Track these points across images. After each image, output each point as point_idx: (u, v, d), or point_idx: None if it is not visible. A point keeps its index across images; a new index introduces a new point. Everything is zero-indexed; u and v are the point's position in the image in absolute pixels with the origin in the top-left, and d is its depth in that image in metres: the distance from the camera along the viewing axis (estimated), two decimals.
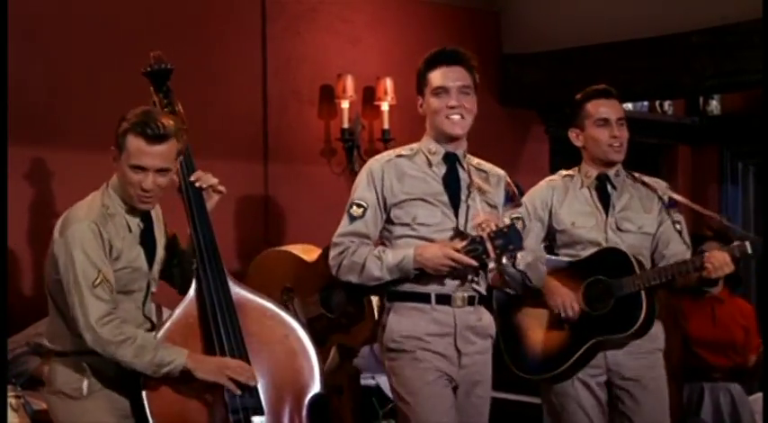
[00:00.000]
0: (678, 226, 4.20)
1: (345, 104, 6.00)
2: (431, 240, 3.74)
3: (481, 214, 3.73)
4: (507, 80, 6.83)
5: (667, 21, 6.09)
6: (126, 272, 3.43)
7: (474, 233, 3.67)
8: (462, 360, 3.77)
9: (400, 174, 3.81)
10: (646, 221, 4.19)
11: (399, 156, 3.86)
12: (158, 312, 3.59)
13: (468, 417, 3.81)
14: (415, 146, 3.89)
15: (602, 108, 4.22)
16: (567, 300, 4.10)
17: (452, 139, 3.82)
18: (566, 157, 4.38)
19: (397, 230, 3.80)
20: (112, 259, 3.38)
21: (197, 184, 3.55)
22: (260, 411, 3.44)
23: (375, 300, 4.02)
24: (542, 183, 4.34)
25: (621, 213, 4.19)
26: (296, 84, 5.99)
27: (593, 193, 4.23)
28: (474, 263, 3.64)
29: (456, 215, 3.79)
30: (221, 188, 3.60)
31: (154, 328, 3.49)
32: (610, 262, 4.10)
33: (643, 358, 4.13)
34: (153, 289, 3.54)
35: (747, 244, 3.99)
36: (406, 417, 3.77)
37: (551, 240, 4.26)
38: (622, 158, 4.25)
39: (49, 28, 5.08)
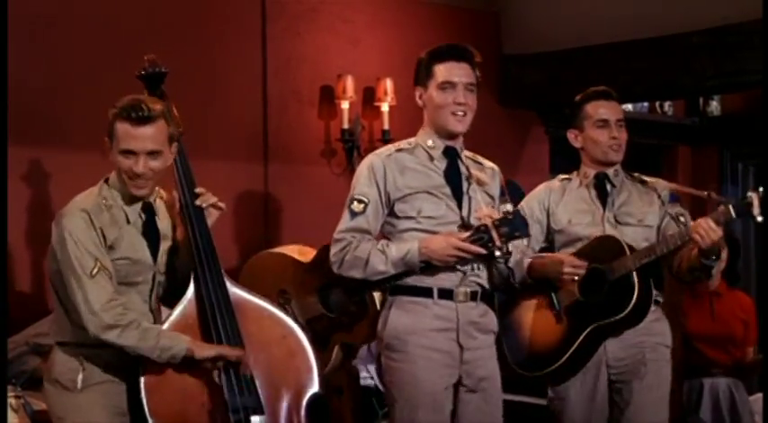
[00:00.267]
0: (682, 218, 4.18)
1: (345, 105, 6.00)
2: (436, 233, 3.73)
3: (483, 208, 3.74)
4: (507, 80, 6.83)
5: (667, 21, 6.09)
6: (125, 263, 3.43)
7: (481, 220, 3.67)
8: (464, 355, 3.76)
9: (402, 168, 3.81)
10: (647, 215, 4.19)
11: (399, 150, 3.86)
12: (157, 312, 3.59)
13: (479, 414, 3.80)
14: (412, 140, 3.89)
15: (602, 109, 4.23)
16: (567, 261, 4.06)
17: (453, 135, 3.83)
18: (566, 157, 4.39)
19: (402, 224, 3.79)
20: (107, 247, 3.39)
21: (197, 203, 3.56)
22: (260, 411, 3.44)
23: (377, 295, 4.01)
24: (540, 186, 4.37)
25: (621, 208, 4.20)
26: (296, 84, 5.99)
27: (592, 190, 4.24)
28: (481, 250, 3.63)
29: (459, 207, 3.79)
30: (221, 205, 3.60)
31: (158, 322, 3.48)
32: (603, 250, 4.10)
33: (643, 353, 4.12)
34: (159, 280, 3.53)
35: (730, 206, 3.97)
36: (399, 419, 3.77)
37: (550, 242, 4.27)
38: (621, 159, 4.26)
39: (49, 28, 5.08)
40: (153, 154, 3.39)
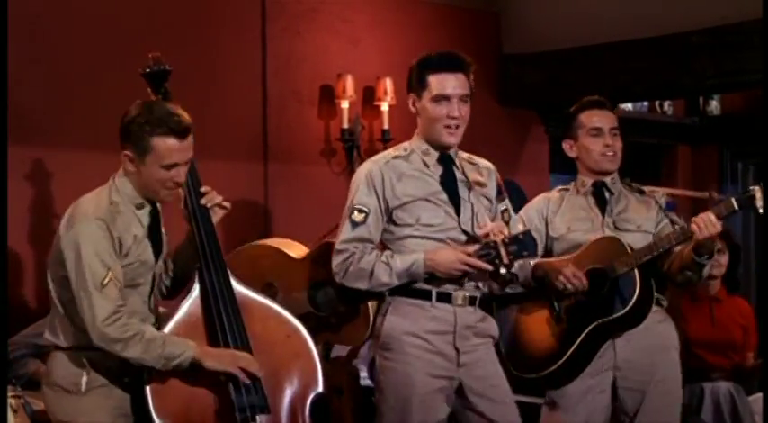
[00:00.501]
0: (677, 226, 4.17)
1: (345, 105, 6.00)
2: (435, 240, 3.74)
3: (488, 223, 3.72)
4: (507, 80, 6.83)
5: (667, 21, 6.09)
6: (134, 266, 3.41)
7: (487, 237, 3.65)
8: (461, 358, 3.76)
9: (399, 175, 3.80)
10: (645, 221, 4.20)
11: (396, 157, 3.85)
12: (156, 311, 3.58)
13: (493, 414, 3.77)
14: (407, 145, 3.88)
15: (595, 118, 4.24)
16: (568, 272, 4.05)
17: (446, 147, 3.82)
18: (565, 157, 4.39)
19: (400, 231, 3.79)
20: (122, 255, 3.37)
21: (202, 202, 3.55)
22: (266, 410, 3.43)
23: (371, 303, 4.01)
24: (538, 197, 4.37)
25: (620, 215, 4.21)
26: (296, 84, 5.99)
27: (590, 198, 4.25)
28: (488, 267, 3.62)
29: (457, 213, 3.79)
30: (226, 204, 3.59)
31: (158, 321, 3.48)
32: (604, 250, 4.10)
33: (652, 356, 4.12)
34: (157, 282, 3.53)
35: (732, 199, 3.98)
36: (388, 419, 3.77)
37: (548, 250, 4.26)
38: (616, 168, 4.27)
39: (49, 28, 5.08)
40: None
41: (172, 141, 3.33)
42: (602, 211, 4.22)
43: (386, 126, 6.06)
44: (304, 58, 6.02)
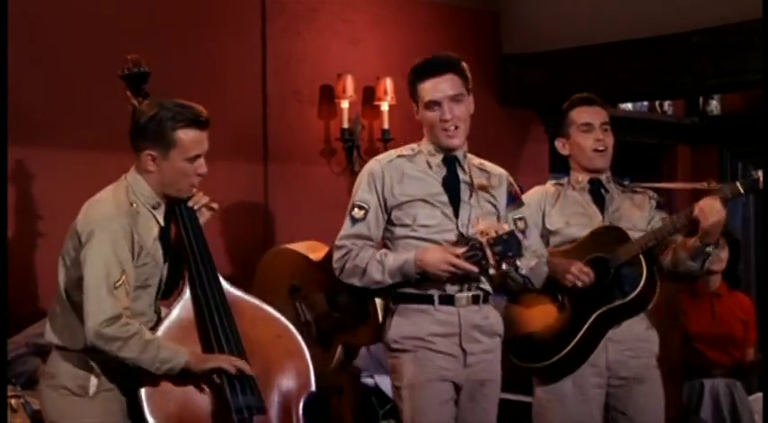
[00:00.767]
0: (680, 212, 4.19)
1: (345, 104, 5.99)
2: (431, 241, 3.74)
3: (481, 222, 3.73)
4: (507, 80, 6.83)
5: (667, 21, 6.09)
6: (149, 266, 3.42)
7: (477, 237, 3.65)
8: (468, 359, 3.78)
9: (401, 175, 3.82)
10: (638, 220, 4.23)
11: (400, 156, 3.87)
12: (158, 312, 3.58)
13: (473, 415, 3.80)
14: (416, 146, 3.90)
15: (585, 114, 4.27)
16: (575, 269, 4.06)
17: (451, 149, 3.83)
18: (565, 157, 4.40)
19: (398, 231, 3.81)
20: (141, 257, 3.37)
21: (189, 204, 3.54)
22: (263, 411, 3.43)
23: (379, 301, 4.02)
24: (534, 190, 4.37)
25: (615, 213, 4.24)
26: (296, 84, 5.99)
27: (586, 195, 4.26)
28: (474, 269, 3.64)
29: (456, 216, 3.79)
30: (214, 205, 3.59)
31: (157, 323, 3.47)
32: (606, 239, 4.12)
33: (643, 359, 4.15)
34: (163, 283, 3.51)
35: (737, 183, 4.00)
36: (401, 409, 3.78)
37: (545, 243, 4.26)
38: (607, 164, 4.28)
39: (49, 28, 5.08)
40: None
41: (194, 133, 3.38)
42: (600, 210, 4.23)
43: (386, 126, 6.06)
44: (304, 58, 6.02)
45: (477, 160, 3.92)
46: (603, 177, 4.28)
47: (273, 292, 3.92)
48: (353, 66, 6.06)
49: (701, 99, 8.13)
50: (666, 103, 8.05)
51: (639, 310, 4.10)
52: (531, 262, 3.83)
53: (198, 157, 3.40)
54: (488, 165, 3.95)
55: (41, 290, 4.88)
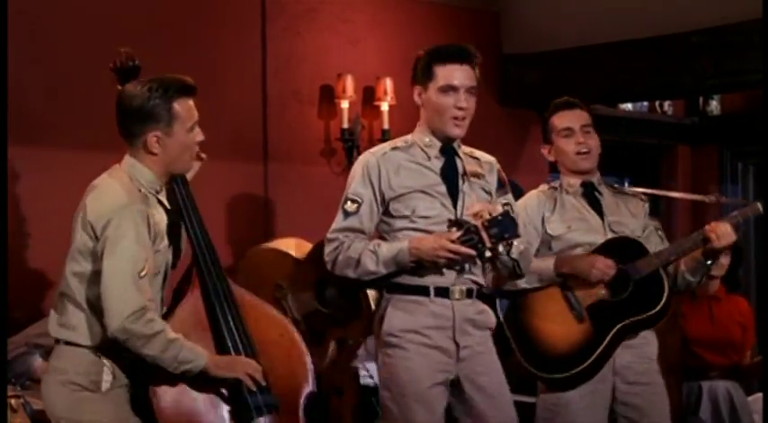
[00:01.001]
0: (660, 232, 4.28)
1: (345, 104, 6.00)
2: (431, 232, 3.72)
3: (476, 204, 3.72)
4: (507, 80, 6.83)
5: (667, 21, 6.09)
6: (162, 252, 3.38)
7: (471, 221, 3.64)
8: (461, 353, 3.76)
9: (397, 167, 3.80)
10: (634, 226, 4.25)
11: (394, 148, 3.85)
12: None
13: (488, 412, 3.77)
14: (409, 137, 3.88)
15: (565, 118, 4.27)
16: (601, 264, 4.07)
17: (452, 139, 3.82)
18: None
19: (397, 223, 3.79)
20: (157, 243, 3.33)
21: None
22: (277, 409, 3.44)
23: (372, 293, 4.01)
24: (531, 193, 4.36)
25: (612, 217, 4.24)
26: (296, 84, 5.99)
27: (582, 199, 4.26)
28: (471, 252, 3.61)
29: (454, 206, 3.78)
30: (202, 155, 3.56)
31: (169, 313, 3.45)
32: (621, 251, 4.13)
33: (648, 363, 4.17)
34: (169, 271, 3.48)
35: (758, 204, 4.08)
36: (391, 415, 3.76)
37: (547, 249, 4.25)
38: (593, 165, 4.28)
39: (48, 28, 5.08)
40: None
41: (189, 101, 3.40)
42: (599, 214, 4.23)
43: (386, 126, 6.06)
44: (304, 58, 6.02)
45: (467, 149, 3.91)
46: (595, 180, 4.28)
47: (257, 292, 3.90)
48: (353, 66, 6.06)
49: (701, 99, 8.13)
50: (666, 104, 8.05)
51: (658, 322, 4.12)
52: (521, 246, 3.80)
53: (194, 125, 3.41)
54: (477, 152, 3.94)
55: (41, 290, 4.88)
